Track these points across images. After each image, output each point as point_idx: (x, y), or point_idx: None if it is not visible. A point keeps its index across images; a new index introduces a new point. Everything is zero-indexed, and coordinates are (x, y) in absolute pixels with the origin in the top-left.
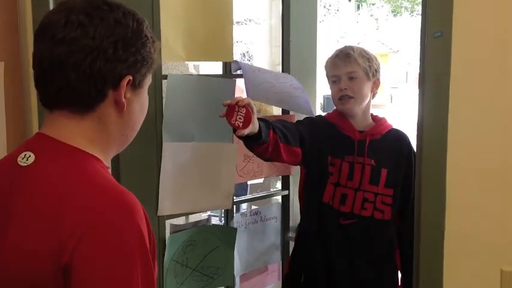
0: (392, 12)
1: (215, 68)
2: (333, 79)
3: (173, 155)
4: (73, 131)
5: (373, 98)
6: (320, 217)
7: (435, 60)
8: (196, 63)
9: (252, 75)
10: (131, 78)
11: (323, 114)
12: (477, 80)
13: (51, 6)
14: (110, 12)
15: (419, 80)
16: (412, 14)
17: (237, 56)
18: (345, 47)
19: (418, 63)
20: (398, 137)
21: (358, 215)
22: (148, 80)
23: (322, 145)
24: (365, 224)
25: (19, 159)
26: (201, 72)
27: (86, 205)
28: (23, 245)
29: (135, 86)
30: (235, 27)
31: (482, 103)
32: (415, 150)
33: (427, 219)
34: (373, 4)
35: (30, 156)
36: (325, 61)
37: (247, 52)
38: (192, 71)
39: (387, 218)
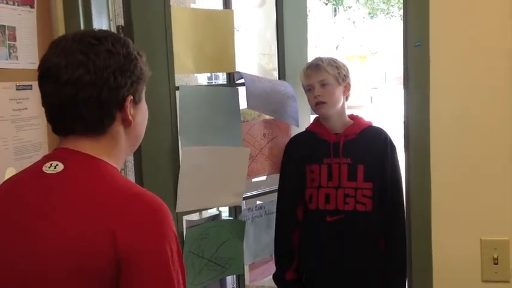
0: (369, 14)
1: None
2: (308, 88)
3: (190, 157)
4: (90, 148)
5: (346, 100)
6: (309, 221)
7: (416, 66)
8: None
9: (252, 85)
10: (132, 97)
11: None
12: (453, 83)
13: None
14: (101, 45)
15: (404, 83)
16: (387, 15)
17: None
18: (315, 58)
19: (396, 64)
20: (374, 133)
21: (343, 210)
22: (144, 92)
23: (301, 160)
24: (350, 217)
25: (44, 168)
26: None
27: (127, 209)
28: (68, 237)
29: (136, 102)
30: None
31: (458, 102)
32: (404, 143)
33: (416, 199)
34: (349, 7)
35: (57, 165)
36: (300, 72)
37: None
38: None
39: (369, 209)
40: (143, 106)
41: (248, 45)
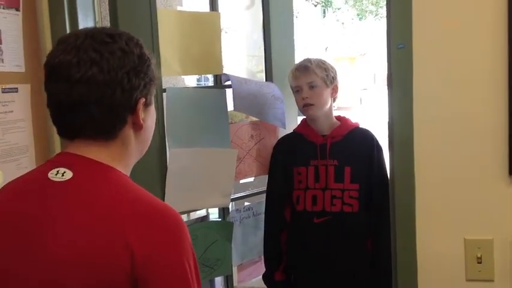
0: (357, 16)
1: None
2: (296, 89)
3: (177, 159)
4: (98, 153)
5: (334, 102)
6: (296, 222)
7: (400, 68)
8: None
9: (238, 87)
10: (144, 99)
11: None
12: (436, 85)
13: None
14: (115, 44)
15: (388, 85)
16: (376, 17)
17: None
18: (304, 60)
19: (385, 65)
20: (361, 135)
21: (330, 212)
22: (153, 96)
23: (288, 162)
24: (337, 218)
25: (51, 175)
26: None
27: (143, 221)
28: (79, 248)
29: (147, 104)
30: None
31: (441, 103)
32: (388, 143)
33: (400, 199)
34: (338, 9)
35: (65, 172)
36: (288, 73)
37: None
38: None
39: (356, 210)
40: (152, 109)
41: (236, 47)
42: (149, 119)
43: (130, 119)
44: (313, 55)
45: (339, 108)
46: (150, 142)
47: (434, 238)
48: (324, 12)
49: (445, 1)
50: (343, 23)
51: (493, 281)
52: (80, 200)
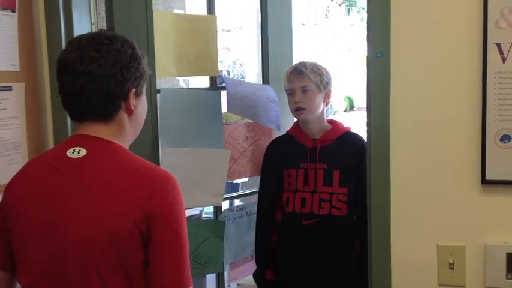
0: None
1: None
2: (289, 92)
3: (170, 158)
4: (102, 132)
5: (326, 106)
6: (285, 224)
7: (378, 76)
8: (186, 78)
9: (233, 89)
10: (135, 90)
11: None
12: (413, 93)
13: (63, 36)
14: (111, 45)
15: (366, 91)
16: None
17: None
18: (299, 63)
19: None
20: (351, 139)
21: (318, 214)
22: (145, 88)
23: (279, 163)
24: (325, 221)
25: (68, 153)
26: (191, 86)
27: (149, 181)
28: (101, 215)
29: (138, 94)
30: (225, 35)
31: (418, 111)
32: (366, 149)
33: (376, 205)
34: (362, 8)
35: (80, 150)
36: (283, 76)
37: (237, 59)
38: (183, 85)
39: (344, 214)
40: (143, 99)
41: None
42: (140, 106)
43: (123, 105)
44: (336, 54)
45: (359, 109)
46: (142, 125)
47: (409, 244)
48: (349, 12)
49: (424, 10)
50: None
51: (464, 286)
52: (95, 172)
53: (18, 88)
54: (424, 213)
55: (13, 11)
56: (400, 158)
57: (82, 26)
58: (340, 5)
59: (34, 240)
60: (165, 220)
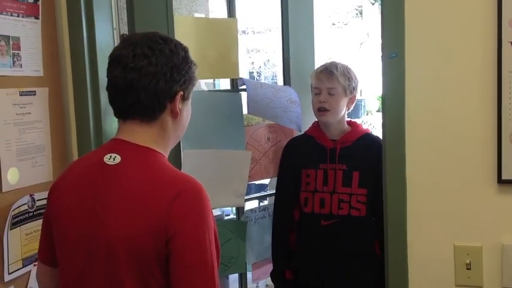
0: None
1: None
2: (316, 91)
3: (191, 160)
4: (143, 135)
5: (348, 111)
6: (304, 224)
7: (392, 77)
8: (209, 80)
9: (253, 91)
10: (182, 93)
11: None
12: (428, 93)
13: (86, 42)
14: (165, 45)
15: (382, 92)
16: None
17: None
18: (331, 63)
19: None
20: (370, 141)
21: (337, 215)
22: (191, 94)
23: (297, 163)
24: (344, 222)
25: (105, 159)
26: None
27: (173, 191)
28: (126, 221)
29: (184, 98)
30: (255, 36)
31: (433, 110)
32: (382, 150)
33: (392, 205)
34: None
35: (116, 157)
36: (312, 72)
37: (268, 61)
38: (204, 87)
39: (363, 215)
40: (189, 104)
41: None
42: (185, 110)
43: (169, 106)
44: (369, 55)
45: None
46: (185, 131)
47: (425, 244)
48: None
49: (437, 10)
50: None
51: (482, 287)
52: (124, 180)
53: (42, 92)
54: (440, 213)
55: (36, 17)
56: (416, 158)
57: (104, 31)
58: (373, 4)
59: (71, 243)
60: (186, 234)
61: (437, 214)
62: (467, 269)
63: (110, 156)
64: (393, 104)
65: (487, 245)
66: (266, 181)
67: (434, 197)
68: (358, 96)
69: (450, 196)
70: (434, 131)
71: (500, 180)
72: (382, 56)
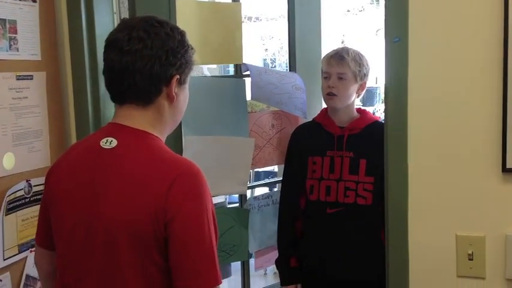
0: None
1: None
2: (325, 75)
3: (192, 146)
4: (139, 119)
5: (357, 97)
6: (309, 211)
7: (395, 62)
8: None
9: (257, 77)
10: (178, 76)
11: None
12: (430, 80)
13: (85, 26)
14: (161, 28)
15: (384, 78)
16: None
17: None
18: (342, 48)
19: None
20: (378, 129)
21: (343, 203)
22: (189, 78)
23: (304, 150)
24: (350, 210)
25: (101, 143)
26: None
27: (170, 174)
28: (124, 206)
29: (181, 82)
30: (269, 23)
31: (436, 96)
32: (384, 138)
33: (393, 194)
34: None
35: (112, 140)
36: (323, 56)
37: (282, 48)
38: (207, 73)
39: (369, 203)
40: (186, 89)
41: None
42: (182, 95)
43: (165, 90)
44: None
45: None
46: (182, 115)
47: (427, 234)
48: None
49: None
50: None
51: (484, 278)
52: (120, 163)
53: (40, 77)
54: (442, 202)
55: (34, 1)
56: (418, 146)
57: (104, 15)
58: None
59: (68, 228)
60: (184, 216)
61: (440, 203)
62: (469, 259)
63: (106, 140)
64: (396, 90)
65: (490, 235)
66: (275, 168)
67: (436, 186)
68: (373, 84)
69: (453, 184)
70: (437, 120)
71: (504, 169)
72: (385, 41)
